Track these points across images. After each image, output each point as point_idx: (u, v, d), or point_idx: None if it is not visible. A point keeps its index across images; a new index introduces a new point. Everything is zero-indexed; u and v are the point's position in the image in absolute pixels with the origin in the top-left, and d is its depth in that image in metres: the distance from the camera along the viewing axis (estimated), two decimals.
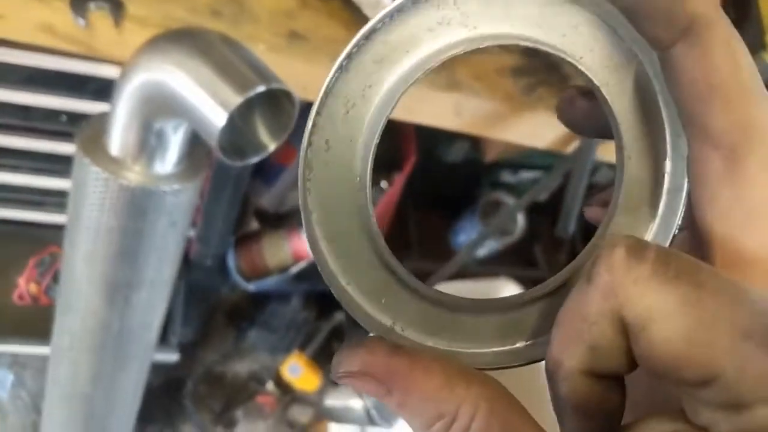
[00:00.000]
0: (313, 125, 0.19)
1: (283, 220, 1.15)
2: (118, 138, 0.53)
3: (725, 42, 0.18)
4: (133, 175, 0.54)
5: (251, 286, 1.06)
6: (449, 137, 1.24)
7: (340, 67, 0.18)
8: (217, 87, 0.44)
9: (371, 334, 0.20)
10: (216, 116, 0.44)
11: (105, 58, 0.54)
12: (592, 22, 0.19)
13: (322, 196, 0.19)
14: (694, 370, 0.15)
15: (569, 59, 0.19)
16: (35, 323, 1.00)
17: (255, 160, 0.49)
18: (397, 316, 0.20)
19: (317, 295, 1.20)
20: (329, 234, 0.19)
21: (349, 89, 0.19)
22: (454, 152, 1.22)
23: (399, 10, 0.18)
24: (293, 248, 1.07)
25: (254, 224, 1.07)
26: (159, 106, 0.49)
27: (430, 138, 1.20)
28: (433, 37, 0.19)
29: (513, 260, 1.28)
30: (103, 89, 0.73)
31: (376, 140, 0.19)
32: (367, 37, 0.18)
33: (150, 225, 0.56)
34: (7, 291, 0.94)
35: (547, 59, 0.69)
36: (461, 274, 1.18)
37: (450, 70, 0.61)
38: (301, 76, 0.57)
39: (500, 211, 1.28)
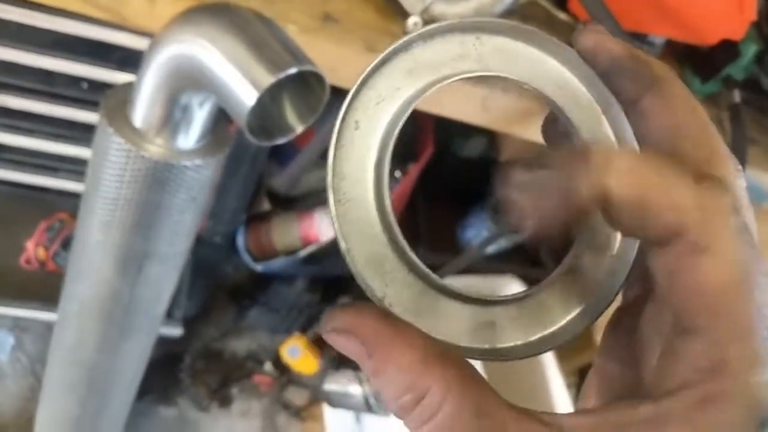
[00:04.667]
0: (349, 105, 0.22)
1: (294, 203, 1.15)
2: (143, 109, 0.52)
3: (682, 93, 0.22)
4: (155, 148, 0.53)
5: (259, 267, 1.06)
6: (466, 132, 1.23)
7: (380, 63, 0.23)
8: (250, 65, 0.43)
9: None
10: (246, 95, 0.43)
11: (134, 28, 0.53)
12: (576, 82, 0.24)
13: (344, 164, 0.22)
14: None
15: (559, 108, 0.24)
16: (40, 288, 1.00)
17: (281, 141, 0.49)
18: (389, 290, 0.22)
19: (323, 280, 1.20)
20: (344, 198, 0.22)
21: (382, 86, 0.23)
22: (470, 147, 1.22)
23: (431, 37, 0.23)
24: (302, 232, 1.07)
25: (266, 205, 1.07)
26: (187, 80, 0.49)
27: (447, 131, 1.20)
28: (453, 64, 0.23)
29: (519, 259, 1.28)
30: (127, 59, 0.73)
31: (397, 131, 0.22)
32: (405, 49, 0.23)
33: (169, 199, 0.56)
34: (14, 254, 0.94)
35: None
36: (468, 270, 1.18)
37: None
38: (332, 58, 0.56)
39: None
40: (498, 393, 0.19)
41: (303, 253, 1.04)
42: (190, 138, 0.54)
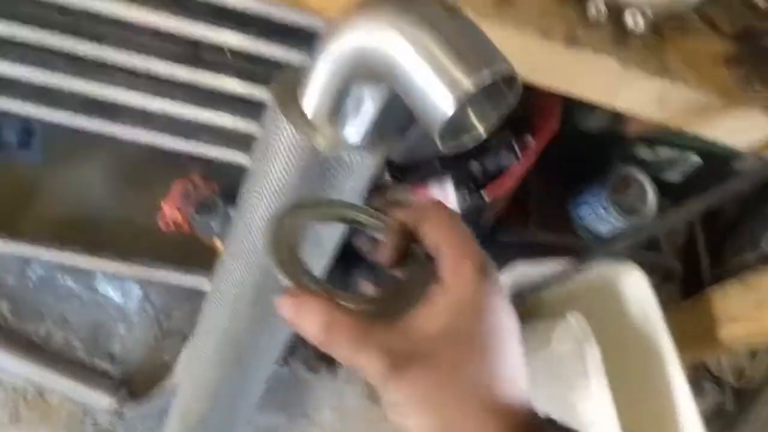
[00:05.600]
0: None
1: (409, 172, 1.14)
2: (315, 97, 0.52)
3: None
4: (324, 139, 0.53)
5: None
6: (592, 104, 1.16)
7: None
8: (449, 69, 0.41)
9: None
10: (444, 102, 0.41)
11: (307, 8, 0.52)
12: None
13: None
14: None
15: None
16: (172, 249, 1.06)
17: (467, 144, 0.47)
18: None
19: None
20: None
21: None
22: (594, 120, 1.15)
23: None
24: None
25: (385, 175, 1.06)
26: (369, 74, 0.48)
27: (571, 101, 1.13)
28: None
29: (639, 243, 1.22)
30: (273, 31, 0.72)
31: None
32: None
33: (333, 188, 0.56)
34: (152, 214, 0.99)
35: (764, 49, 0.62)
36: (579, 249, 1.14)
37: (660, 54, 0.56)
38: (505, 44, 0.53)
39: (631, 189, 1.21)
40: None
41: None
42: (358, 129, 0.53)
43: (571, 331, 1.08)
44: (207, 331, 0.74)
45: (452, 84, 0.41)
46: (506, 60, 0.42)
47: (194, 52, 0.77)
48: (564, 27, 0.54)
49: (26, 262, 1.16)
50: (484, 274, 0.34)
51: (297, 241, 0.40)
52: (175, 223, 0.97)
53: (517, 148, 1.12)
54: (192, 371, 0.82)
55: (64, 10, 0.69)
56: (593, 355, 0.99)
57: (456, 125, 0.48)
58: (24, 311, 1.19)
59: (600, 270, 1.10)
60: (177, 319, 1.28)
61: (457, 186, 1.06)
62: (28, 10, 0.70)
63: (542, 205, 1.25)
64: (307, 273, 0.38)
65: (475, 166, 1.13)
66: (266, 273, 0.62)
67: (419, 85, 0.42)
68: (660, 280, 1.32)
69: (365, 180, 0.57)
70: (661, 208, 1.21)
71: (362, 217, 0.44)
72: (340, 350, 0.34)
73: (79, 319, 1.23)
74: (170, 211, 0.97)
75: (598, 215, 1.22)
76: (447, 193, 1.05)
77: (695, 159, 1.23)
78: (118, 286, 1.24)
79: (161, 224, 0.98)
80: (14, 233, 0.97)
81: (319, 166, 0.54)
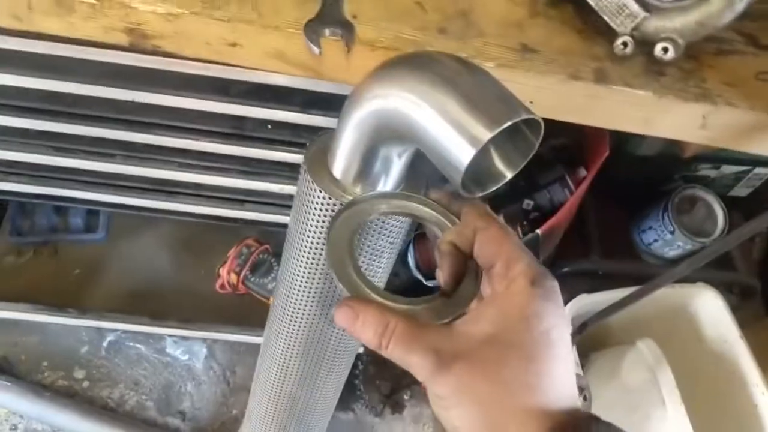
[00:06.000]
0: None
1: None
2: (343, 161, 0.52)
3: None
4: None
5: (429, 283, 1.05)
6: None
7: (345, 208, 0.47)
8: (465, 121, 0.41)
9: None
10: (463, 152, 0.41)
11: (330, 80, 0.54)
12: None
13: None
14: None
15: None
16: (231, 310, 1.08)
17: (493, 189, 0.46)
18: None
19: None
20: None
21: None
22: (648, 145, 1.11)
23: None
24: None
25: None
26: (391, 135, 0.48)
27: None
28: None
29: (711, 263, 1.14)
30: (310, 102, 0.75)
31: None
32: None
33: (369, 245, 0.56)
34: (209, 280, 1.02)
35: None
36: (646, 276, 1.08)
37: (697, 79, 0.54)
38: (531, 90, 0.53)
39: (697, 209, 1.15)
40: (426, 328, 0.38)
41: None
42: (387, 186, 0.53)
43: (642, 358, 1.02)
44: (262, 386, 0.75)
45: (469, 135, 0.40)
46: (522, 106, 0.41)
47: (239, 126, 0.80)
48: (592, 65, 0.53)
49: (98, 331, 1.22)
50: (536, 285, 0.36)
51: (354, 245, 0.41)
52: (231, 285, 1.00)
53: (570, 182, 1.09)
54: (254, 424, 0.82)
55: (121, 105, 0.74)
56: (668, 382, 0.92)
57: (482, 174, 0.47)
58: (98, 377, 1.24)
59: (670, 293, 1.03)
60: (242, 375, 1.30)
61: (510, 225, 1.04)
62: (87, 109, 0.76)
63: (603, 234, 1.21)
64: (363, 278, 0.40)
65: (527, 205, 1.11)
66: (312, 329, 0.62)
67: (439, 140, 0.42)
68: (738, 299, 1.23)
69: (400, 236, 0.57)
70: (731, 225, 1.14)
71: (423, 210, 0.46)
72: (393, 353, 0.36)
73: (150, 381, 1.27)
74: (227, 275, 1.00)
75: (665, 240, 1.16)
76: None
77: (763, 171, 1.15)
78: (185, 347, 1.28)
79: (218, 287, 1.01)
80: (85, 308, 1.02)
81: None
